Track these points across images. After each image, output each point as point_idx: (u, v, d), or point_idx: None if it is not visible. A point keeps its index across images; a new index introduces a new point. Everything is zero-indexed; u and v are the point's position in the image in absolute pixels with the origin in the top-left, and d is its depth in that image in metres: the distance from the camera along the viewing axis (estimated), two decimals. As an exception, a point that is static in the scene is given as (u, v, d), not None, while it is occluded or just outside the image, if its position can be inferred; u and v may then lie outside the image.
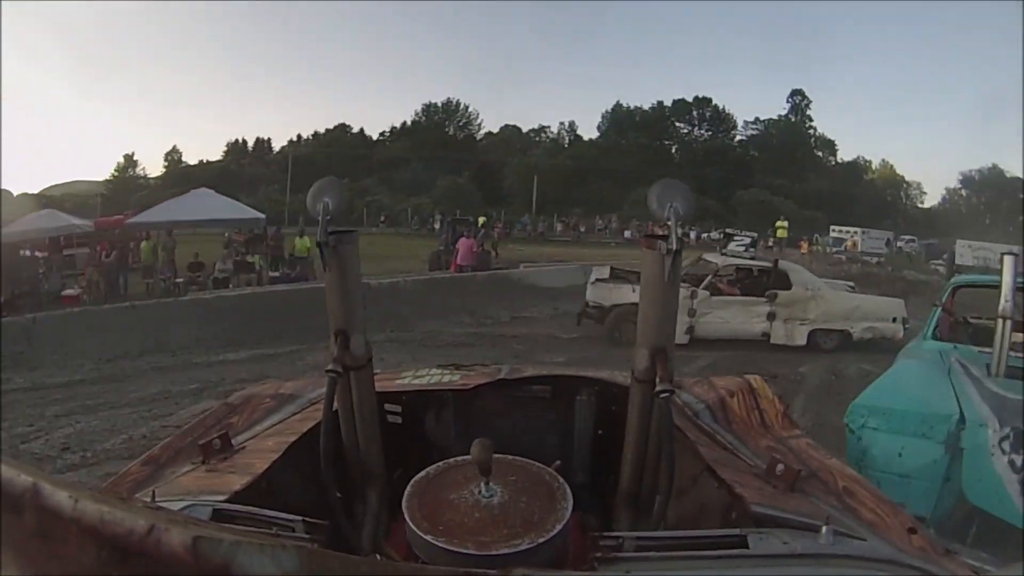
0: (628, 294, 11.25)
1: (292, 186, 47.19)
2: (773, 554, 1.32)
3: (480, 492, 1.50)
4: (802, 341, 11.77)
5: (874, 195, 61.21)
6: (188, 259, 18.92)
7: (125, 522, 0.72)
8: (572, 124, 67.33)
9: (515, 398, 2.48)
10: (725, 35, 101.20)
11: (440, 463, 1.67)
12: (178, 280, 17.84)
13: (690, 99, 65.90)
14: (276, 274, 18.68)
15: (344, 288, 1.82)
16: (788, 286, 11.83)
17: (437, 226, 39.20)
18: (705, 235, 45.36)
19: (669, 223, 1.60)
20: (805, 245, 34.80)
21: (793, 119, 65.51)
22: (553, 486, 1.56)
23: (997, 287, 5.20)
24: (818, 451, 2.10)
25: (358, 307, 1.88)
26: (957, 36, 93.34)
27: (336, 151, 60.33)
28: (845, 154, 67.18)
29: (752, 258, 13.41)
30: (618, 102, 66.78)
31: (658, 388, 1.62)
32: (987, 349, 5.10)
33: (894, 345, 10.75)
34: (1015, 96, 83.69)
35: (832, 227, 44.94)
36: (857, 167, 66.32)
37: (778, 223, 37.09)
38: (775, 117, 65.37)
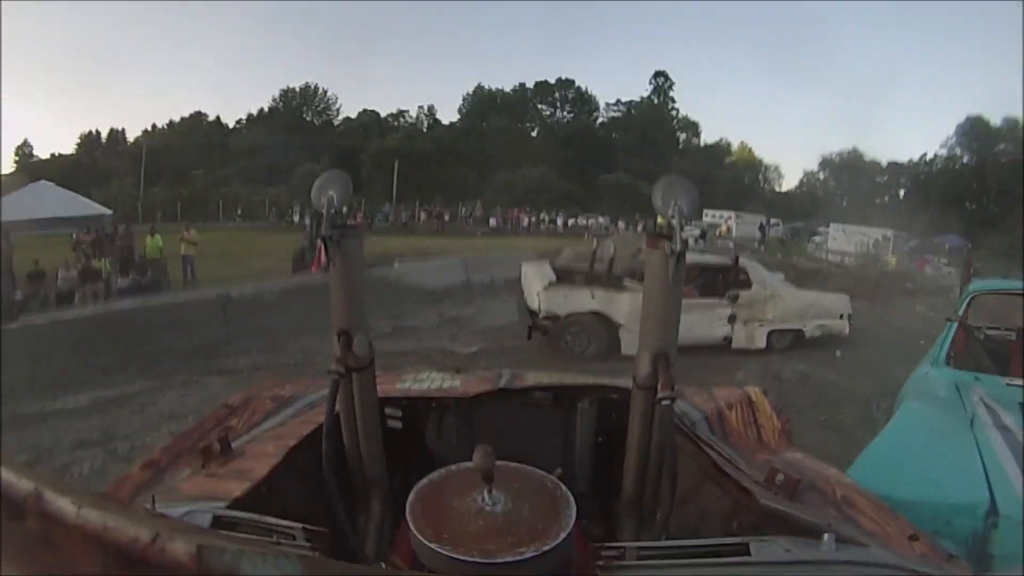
0: (587, 300, 10.01)
1: (146, 179, 45.71)
2: (775, 561, 1.31)
3: (483, 500, 1.48)
4: (762, 344, 10.87)
5: (734, 178, 62.25)
6: (29, 268, 15.21)
7: (129, 530, 0.70)
8: (431, 108, 66.45)
9: (516, 405, 2.42)
10: (589, 16, 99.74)
11: (442, 469, 1.65)
12: (16, 297, 14.01)
13: (553, 81, 65.96)
14: (125, 281, 15.57)
15: (347, 286, 1.78)
16: (748, 285, 10.91)
17: (296, 218, 38.37)
18: (572, 220, 44.43)
19: (673, 222, 1.55)
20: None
21: (656, 101, 66.06)
22: (556, 494, 1.54)
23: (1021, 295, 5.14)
24: (815, 462, 2.10)
25: (362, 306, 1.83)
26: (820, 25, 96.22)
27: (192, 141, 57.87)
28: (708, 136, 68.74)
29: (702, 251, 12.91)
30: (480, 84, 66.06)
31: (660, 395, 1.62)
32: (1018, 380, 4.29)
33: (837, 342, 11.20)
34: (878, 81, 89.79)
35: (705, 211, 44.28)
36: (720, 149, 67.58)
37: None
38: (637, 99, 65.97)
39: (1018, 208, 42.93)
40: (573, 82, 65.67)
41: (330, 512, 1.76)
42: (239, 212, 45.63)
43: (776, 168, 68.61)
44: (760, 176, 67.74)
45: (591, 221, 45.44)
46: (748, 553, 1.33)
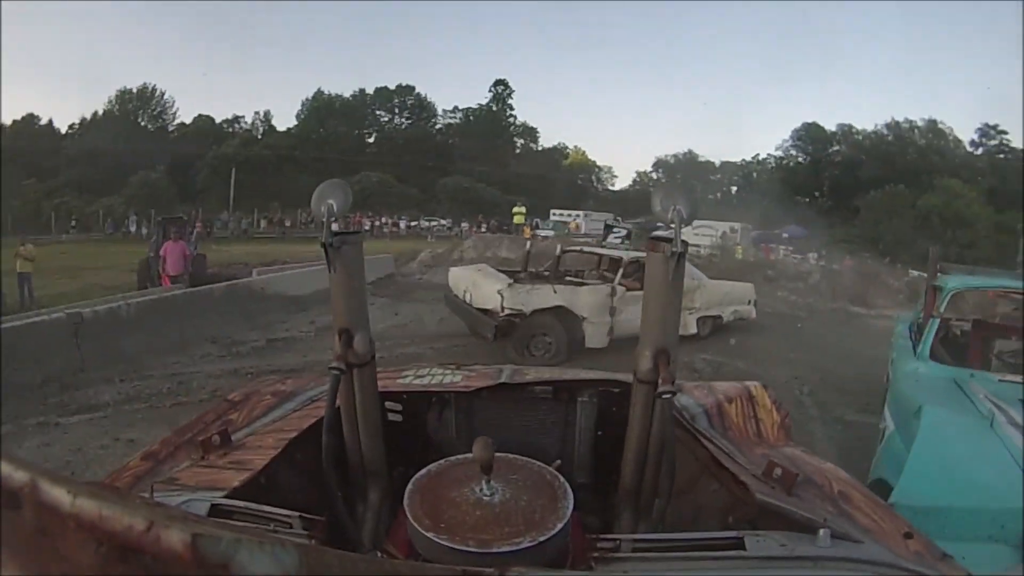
0: (550, 296, 9.85)
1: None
2: (770, 556, 1.31)
3: (481, 490, 1.50)
4: (693, 330, 11.51)
5: (570, 180, 64.25)
6: None
7: (124, 518, 0.69)
8: (267, 113, 65.18)
9: (516, 398, 2.43)
10: (430, 26, 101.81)
11: (441, 461, 1.67)
12: None
13: (392, 87, 66.06)
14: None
15: (348, 288, 1.81)
16: None
17: (133, 228, 37.02)
18: (414, 223, 44.25)
19: (672, 226, 1.60)
20: (528, 230, 34.18)
21: (495, 108, 67.15)
22: (554, 485, 1.56)
23: (1006, 292, 5.74)
24: (812, 457, 2.09)
25: (362, 306, 1.86)
26: (661, 33, 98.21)
27: (23, 145, 52.46)
28: (547, 141, 70.12)
29: (627, 249, 13.07)
30: (319, 89, 64.95)
31: (660, 389, 1.63)
32: (1011, 377, 4.47)
33: (745, 325, 12.56)
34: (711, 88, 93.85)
35: (553, 211, 46.09)
36: (558, 153, 69.45)
37: (515, 209, 36.38)
38: (475, 106, 66.99)
39: (849, 201, 46.10)
40: (413, 88, 66.16)
41: (328, 503, 1.76)
42: (73, 223, 43.12)
43: (609, 169, 71.54)
44: (593, 177, 70.24)
45: (433, 223, 45.95)
46: (743, 547, 1.34)
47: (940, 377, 4.62)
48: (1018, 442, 3.22)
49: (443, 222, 46.53)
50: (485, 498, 1.47)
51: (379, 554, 1.63)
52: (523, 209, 36.10)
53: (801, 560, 1.29)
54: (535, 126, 68.67)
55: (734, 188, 65.14)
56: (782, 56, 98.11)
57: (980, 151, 57.59)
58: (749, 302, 12.73)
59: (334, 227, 1.73)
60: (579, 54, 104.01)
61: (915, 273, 28.31)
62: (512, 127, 67.95)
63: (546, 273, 11.30)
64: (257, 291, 14.00)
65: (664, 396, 1.61)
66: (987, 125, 57.43)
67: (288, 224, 43.83)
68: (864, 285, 22.58)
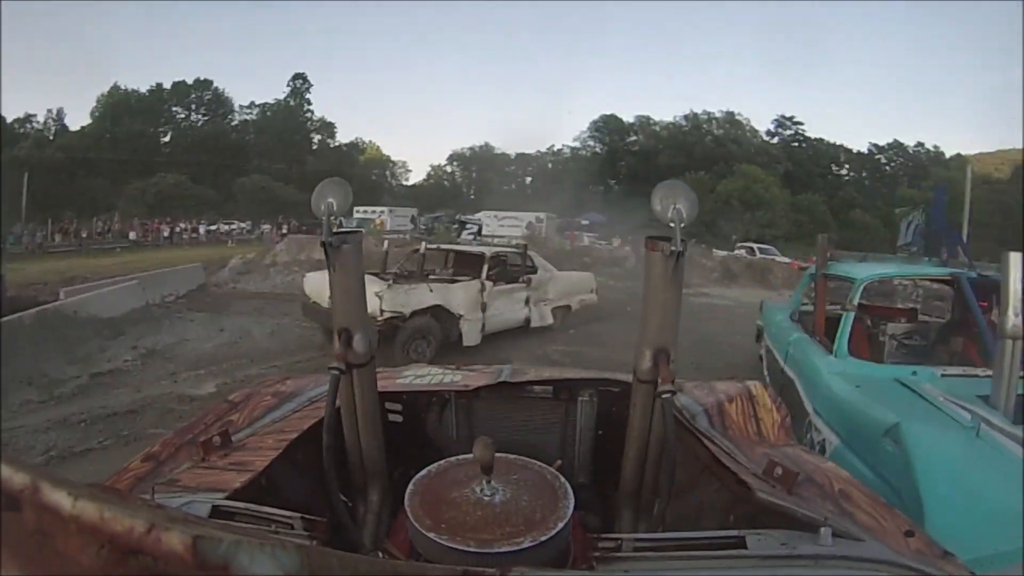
0: (427, 295, 9.42)
1: None
2: (772, 555, 1.31)
3: (482, 490, 1.50)
4: (550, 320, 11.62)
5: (364, 175, 64.11)
6: None
7: (125, 520, 0.69)
8: (60, 112, 59.88)
9: (516, 398, 2.43)
10: (230, 13, 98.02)
11: (442, 461, 1.67)
12: None
13: (191, 81, 63.85)
14: None
15: (347, 288, 1.81)
16: (535, 269, 11.58)
17: None
18: (213, 227, 42.99)
19: (672, 225, 1.59)
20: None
21: (292, 103, 66.03)
22: (554, 485, 1.55)
23: (912, 280, 5.55)
24: (812, 456, 2.10)
25: (361, 306, 1.86)
26: (462, 27, 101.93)
27: None
28: (344, 136, 69.72)
29: (479, 244, 13.18)
30: (116, 84, 61.52)
31: (660, 389, 1.63)
32: (952, 371, 4.29)
33: (588, 313, 12.76)
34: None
35: (356, 208, 44.44)
36: (355, 148, 69.16)
37: None
38: (272, 101, 65.87)
39: (647, 188, 47.72)
40: (211, 83, 64.17)
41: (328, 503, 1.76)
42: None
43: (404, 164, 72.28)
44: (388, 172, 70.62)
45: (233, 227, 44.82)
46: (744, 546, 1.33)
47: (877, 378, 4.20)
48: (1018, 452, 2.92)
49: (242, 225, 45.44)
50: (486, 498, 1.48)
51: (380, 554, 1.64)
52: (332, 206, 35.62)
53: (803, 559, 1.29)
54: (333, 121, 68.36)
55: (528, 179, 66.88)
56: (584, 51, 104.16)
57: (776, 140, 63.64)
58: (591, 290, 13.18)
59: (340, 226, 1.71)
60: (378, 46, 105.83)
61: (721, 252, 30.44)
62: (310, 123, 67.07)
63: (406, 272, 11.02)
64: (70, 316, 11.52)
65: (664, 396, 1.61)
66: (783, 116, 64.25)
67: (84, 235, 40.26)
68: (687, 268, 23.53)
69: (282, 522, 1.47)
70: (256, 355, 9.77)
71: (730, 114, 62.41)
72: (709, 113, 62.64)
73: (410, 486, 1.54)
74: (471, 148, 68.45)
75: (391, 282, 9.39)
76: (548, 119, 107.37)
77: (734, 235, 42.53)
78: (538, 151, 67.58)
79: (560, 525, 1.38)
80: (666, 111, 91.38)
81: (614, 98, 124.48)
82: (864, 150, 66.32)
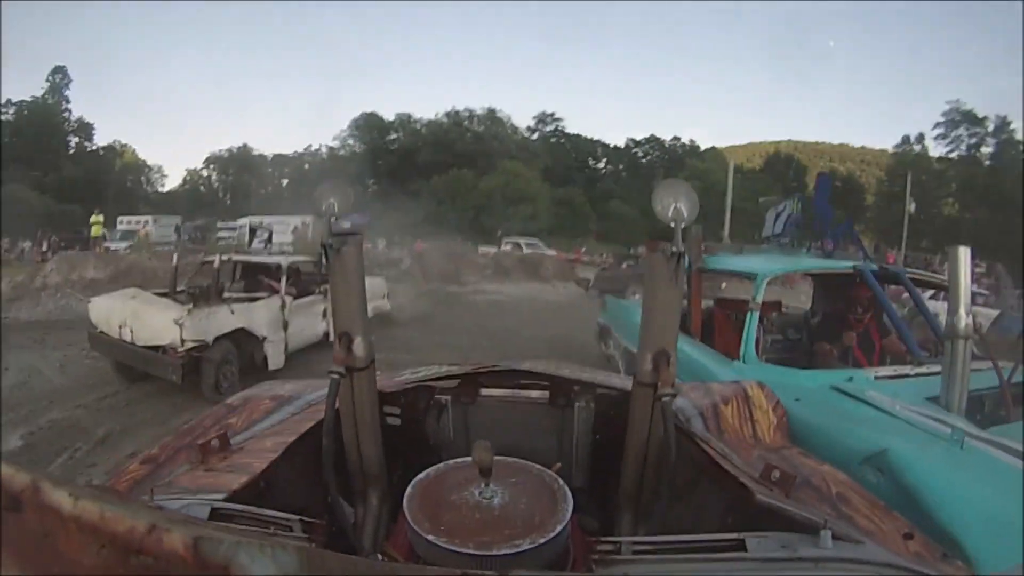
0: (229, 317, 8.16)
1: None
2: (771, 557, 1.30)
3: (481, 493, 1.49)
4: None
5: (122, 181, 60.24)
6: None
7: (126, 521, 0.71)
8: None
9: (514, 401, 2.41)
10: None
11: (440, 464, 1.66)
12: None
13: None
14: None
15: (347, 290, 1.79)
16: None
17: None
18: None
19: (672, 225, 1.59)
20: (101, 246, 29.68)
21: (51, 100, 58.77)
22: (553, 488, 1.54)
23: (811, 273, 5.17)
24: (810, 458, 2.07)
25: (362, 309, 1.82)
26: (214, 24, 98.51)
27: None
28: (102, 138, 63.12)
29: (271, 253, 11.63)
30: None
31: (660, 392, 1.62)
32: (884, 371, 3.86)
33: (383, 320, 12.10)
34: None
35: (120, 218, 41.66)
36: (113, 152, 63.23)
37: (93, 218, 31.37)
38: (29, 98, 57.96)
39: (408, 187, 49.83)
40: None
41: (328, 506, 1.78)
42: None
43: (160, 168, 68.02)
44: (143, 178, 66.43)
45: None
46: (744, 549, 1.33)
47: (808, 387, 3.57)
48: (1007, 460, 2.68)
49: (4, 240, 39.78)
50: (485, 501, 1.47)
51: (379, 557, 1.64)
52: (100, 218, 31.53)
53: (803, 561, 1.28)
54: (92, 121, 61.53)
55: (285, 181, 65.25)
56: (349, 49, 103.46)
57: (536, 136, 66.09)
58: (384, 296, 12.62)
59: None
60: (135, 38, 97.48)
61: (491, 248, 30.98)
62: (67, 123, 59.86)
63: (197, 290, 9.38)
64: None
65: (664, 399, 1.60)
66: (544, 112, 66.80)
67: None
68: (452, 264, 23.85)
69: (281, 524, 1.46)
70: (53, 395, 8.39)
71: (492, 111, 63.58)
72: (471, 110, 63.61)
73: (409, 489, 1.53)
74: (229, 150, 65.64)
75: (191, 306, 7.84)
76: (308, 118, 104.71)
77: (499, 230, 43.62)
78: (295, 152, 66.73)
79: (559, 528, 1.36)
80: (428, 110, 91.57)
81: (377, 97, 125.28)
82: (621, 144, 69.55)
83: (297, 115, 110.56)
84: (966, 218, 52.85)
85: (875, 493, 2.28)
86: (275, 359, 8.65)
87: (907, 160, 57.05)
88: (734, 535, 1.37)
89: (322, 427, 1.72)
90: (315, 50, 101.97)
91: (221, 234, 40.59)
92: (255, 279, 10.07)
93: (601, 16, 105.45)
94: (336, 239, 1.71)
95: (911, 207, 44.04)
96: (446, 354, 9.88)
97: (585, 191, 59.93)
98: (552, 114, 67.30)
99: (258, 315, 8.54)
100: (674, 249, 1.58)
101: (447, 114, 63.80)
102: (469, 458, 1.50)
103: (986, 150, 56.22)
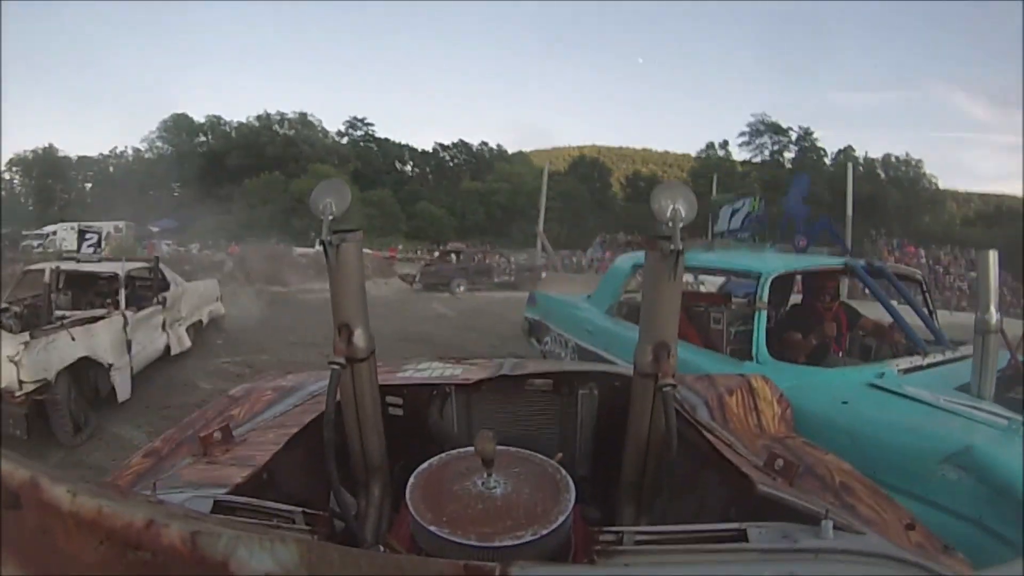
0: (71, 345, 6.28)
1: None
2: (773, 548, 1.27)
3: (483, 483, 1.48)
4: (188, 343, 9.35)
5: None
6: None
7: (124, 516, 0.71)
8: None
9: (517, 392, 2.37)
10: None
11: (443, 454, 1.65)
12: None
13: None
14: None
15: (347, 284, 1.76)
16: (167, 284, 9.27)
17: None
18: None
19: (671, 224, 1.56)
20: None
21: None
22: (556, 478, 1.53)
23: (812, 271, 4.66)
24: (814, 448, 2.08)
25: (361, 302, 1.81)
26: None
27: None
28: None
29: (100, 260, 8.96)
30: None
31: (661, 382, 1.60)
32: (902, 363, 3.79)
33: (218, 325, 11.21)
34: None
35: None
36: None
37: None
38: None
39: (218, 190, 49.47)
40: None
41: (330, 497, 1.77)
42: None
43: None
44: None
45: None
46: (746, 539, 1.32)
47: (843, 385, 3.50)
48: None
49: None
50: (487, 492, 1.47)
51: (381, 548, 1.63)
52: None
53: (804, 552, 1.26)
54: None
55: (88, 185, 62.66)
56: (164, 48, 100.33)
57: (346, 140, 67.10)
58: (217, 299, 11.63)
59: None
60: None
61: (309, 250, 29.03)
62: None
63: (23, 310, 7.84)
64: None
65: (665, 389, 1.59)
66: (355, 118, 67.55)
67: None
68: (273, 266, 23.69)
69: (284, 516, 1.46)
70: None
71: (303, 115, 63.91)
72: (283, 114, 63.45)
73: (411, 479, 1.52)
74: (34, 151, 60.77)
75: (28, 337, 5.93)
76: (119, 117, 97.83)
77: (312, 232, 43.88)
78: (100, 154, 63.74)
79: (561, 518, 1.36)
80: (239, 112, 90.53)
81: (189, 97, 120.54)
82: (430, 149, 70.86)
83: (103, 114, 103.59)
84: (768, 213, 58.57)
85: (953, 491, 2.56)
86: (123, 389, 7.07)
87: (711, 163, 61.56)
88: (735, 525, 1.36)
89: (323, 420, 1.68)
90: (124, 48, 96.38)
91: (27, 243, 37.13)
92: (85, 291, 8.73)
93: (409, 20, 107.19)
94: (336, 236, 1.68)
95: (717, 205, 48.10)
96: (301, 352, 9.73)
97: (394, 193, 61.01)
98: (363, 119, 68.54)
99: (101, 338, 6.85)
100: (672, 247, 1.55)
101: (258, 117, 63.47)
102: (471, 448, 1.52)
103: (788, 155, 62.32)
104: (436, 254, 28.21)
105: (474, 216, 60.26)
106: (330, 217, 1.64)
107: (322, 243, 1.66)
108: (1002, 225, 49.10)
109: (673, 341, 1.69)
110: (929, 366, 3.78)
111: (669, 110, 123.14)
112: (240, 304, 13.75)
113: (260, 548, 0.70)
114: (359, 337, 1.79)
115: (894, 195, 52.97)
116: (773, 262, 4.73)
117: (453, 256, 25.45)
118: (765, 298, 4.25)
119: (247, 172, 55.24)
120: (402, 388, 2.39)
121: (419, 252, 42.68)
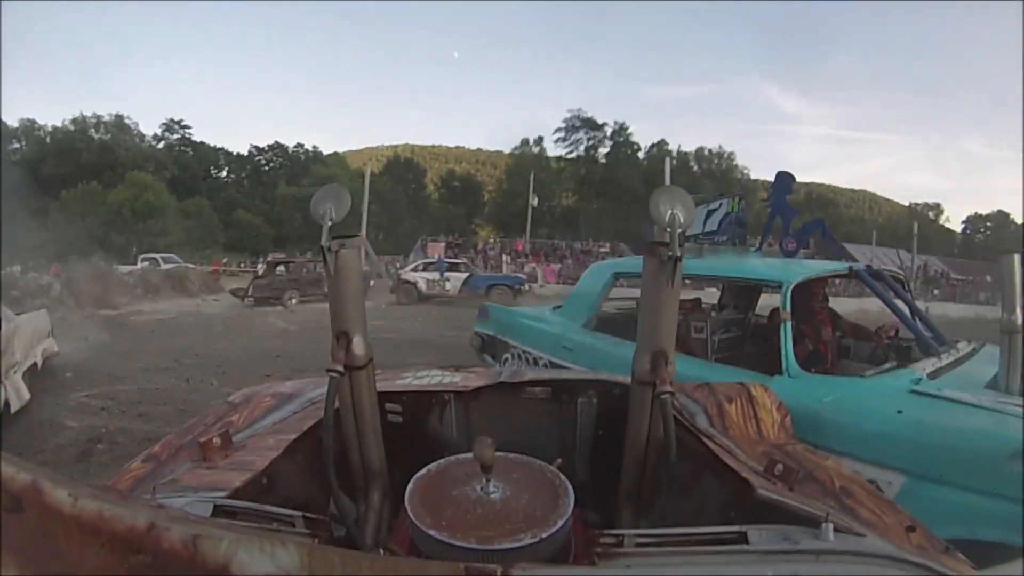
0: None
1: None
2: (773, 550, 1.28)
3: (482, 488, 1.49)
4: (27, 396, 6.82)
5: None
6: None
7: (125, 519, 0.72)
8: None
9: (516, 398, 2.41)
10: None
11: (442, 460, 1.68)
12: None
13: None
14: None
15: (346, 291, 1.76)
16: None
17: None
18: None
19: (669, 230, 1.57)
20: None
21: None
22: (555, 483, 1.55)
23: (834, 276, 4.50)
24: (814, 454, 2.07)
25: (360, 309, 1.82)
26: None
27: None
28: None
29: None
30: None
31: (659, 390, 1.60)
32: (928, 364, 3.72)
33: (57, 363, 8.97)
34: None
35: None
36: None
37: None
38: None
39: (32, 202, 45.97)
40: None
41: (329, 503, 1.82)
42: None
43: None
44: None
45: None
46: (746, 541, 1.32)
47: (884, 394, 3.32)
48: None
49: None
50: (486, 496, 1.48)
51: (381, 552, 1.65)
52: None
53: (804, 554, 1.26)
54: None
55: None
56: None
57: (163, 144, 63.29)
58: (49, 333, 8.87)
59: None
60: None
61: (126, 267, 28.65)
62: None
63: None
64: None
65: (663, 397, 1.59)
66: (172, 120, 64.44)
67: None
68: (100, 287, 22.16)
69: (284, 520, 1.45)
70: None
71: (119, 117, 59.10)
72: (98, 116, 58.55)
73: (410, 484, 1.53)
74: None
75: None
76: None
77: (134, 247, 41.27)
78: None
79: (561, 522, 1.37)
80: (54, 115, 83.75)
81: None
82: (245, 152, 68.43)
83: None
84: (584, 208, 59.75)
85: (1022, 483, 2.55)
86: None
87: (526, 160, 61.51)
88: (736, 528, 1.36)
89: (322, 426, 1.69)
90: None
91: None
92: None
93: (221, 21, 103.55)
94: (335, 242, 1.68)
95: (534, 201, 47.93)
96: (159, 378, 8.85)
97: (210, 201, 58.65)
98: (179, 121, 65.26)
99: None
100: (670, 254, 1.56)
101: (73, 120, 58.48)
102: (470, 454, 1.52)
103: (603, 151, 62.36)
104: (262, 266, 26.82)
105: (291, 223, 57.66)
106: (329, 223, 1.64)
107: (321, 249, 1.66)
108: (811, 212, 52.82)
109: (671, 348, 1.70)
110: (947, 367, 3.76)
111: (482, 107, 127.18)
112: (75, 334, 12.32)
113: (260, 551, 0.73)
114: (357, 345, 1.79)
115: (707, 186, 53.27)
116: (796, 270, 4.39)
117: (282, 267, 24.22)
118: (788, 307, 3.96)
119: (63, 182, 51.33)
120: (401, 395, 2.40)
121: (242, 265, 41.60)
